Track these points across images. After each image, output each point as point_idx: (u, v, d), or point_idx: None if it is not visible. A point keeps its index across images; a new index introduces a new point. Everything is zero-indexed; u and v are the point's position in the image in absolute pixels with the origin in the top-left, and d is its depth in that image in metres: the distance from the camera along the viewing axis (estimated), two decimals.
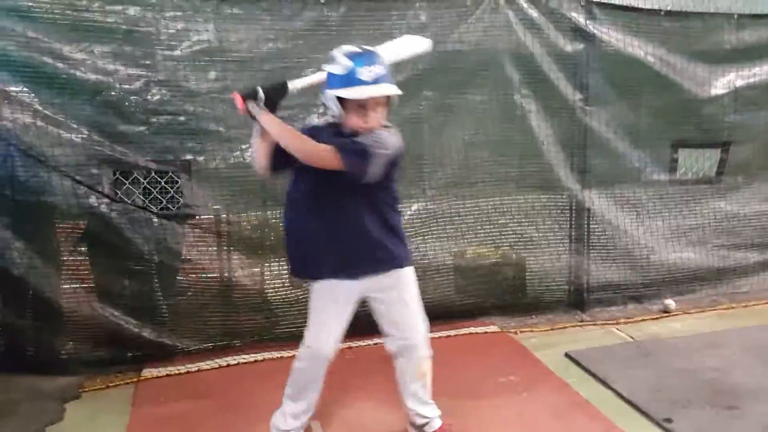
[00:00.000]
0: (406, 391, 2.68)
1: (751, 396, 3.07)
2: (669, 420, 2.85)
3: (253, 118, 2.37)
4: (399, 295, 2.58)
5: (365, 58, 2.29)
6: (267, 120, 2.36)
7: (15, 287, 3.34)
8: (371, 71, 2.27)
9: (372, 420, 2.94)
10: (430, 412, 2.72)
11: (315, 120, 2.37)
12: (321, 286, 2.53)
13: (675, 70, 4.27)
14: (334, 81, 2.30)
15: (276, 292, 3.81)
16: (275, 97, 2.38)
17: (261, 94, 2.33)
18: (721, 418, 2.89)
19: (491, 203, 4.13)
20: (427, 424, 2.72)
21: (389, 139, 2.37)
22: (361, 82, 2.26)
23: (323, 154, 2.30)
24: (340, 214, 2.42)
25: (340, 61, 2.28)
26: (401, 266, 2.55)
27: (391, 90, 2.31)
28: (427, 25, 3.74)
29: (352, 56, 2.28)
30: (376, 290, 2.55)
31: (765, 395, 3.09)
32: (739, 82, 4.42)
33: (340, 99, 2.30)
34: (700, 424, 2.83)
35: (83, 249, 3.47)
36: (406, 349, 2.62)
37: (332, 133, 2.41)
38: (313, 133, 2.42)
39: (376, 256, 2.47)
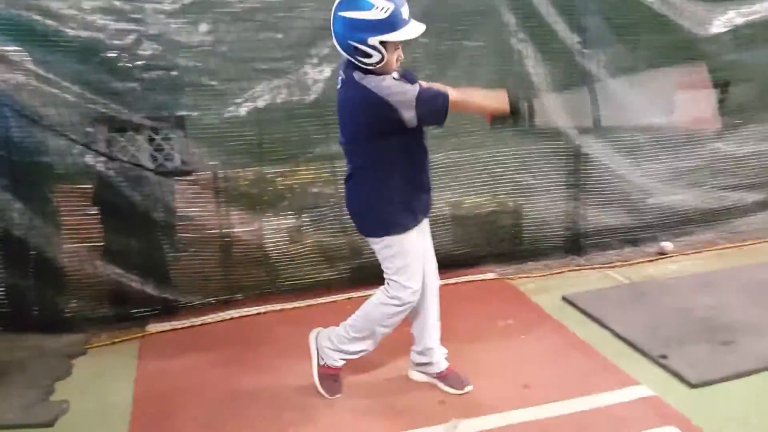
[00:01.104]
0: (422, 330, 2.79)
1: (746, 331, 3.15)
2: (664, 356, 2.93)
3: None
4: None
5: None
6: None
7: (17, 248, 3.36)
8: (407, 10, 2.31)
9: (372, 364, 3.00)
10: (438, 353, 2.82)
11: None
12: (413, 233, 2.60)
13: (674, 10, 4.17)
14: (372, 26, 2.24)
15: (275, 246, 3.84)
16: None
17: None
18: (716, 353, 2.97)
19: (488, 152, 4.12)
20: (431, 364, 2.82)
21: None
22: (405, 22, 2.29)
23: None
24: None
25: (379, 6, 2.24)
26: None
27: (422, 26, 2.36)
28: None
29: None
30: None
31: (759, 330, 3.16)
32: (739, 20, 4.33)
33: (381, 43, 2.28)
34: (695, 359, 2.91)
35: (83, 208, 3.48)
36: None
37: (343, 76, 2.43)
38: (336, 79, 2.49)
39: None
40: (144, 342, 3.38)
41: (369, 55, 2.30)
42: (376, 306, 2.68)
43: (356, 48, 2.29)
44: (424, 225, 2.70)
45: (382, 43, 2.27)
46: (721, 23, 4.31)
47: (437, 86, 2.42)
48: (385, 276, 2.67)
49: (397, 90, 2.33)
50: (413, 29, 2.31)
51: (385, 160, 2.48)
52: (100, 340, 3.41)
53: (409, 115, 2.32)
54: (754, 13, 4.36)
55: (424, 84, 2.43)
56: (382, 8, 2.23)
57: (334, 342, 2.76)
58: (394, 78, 2.39)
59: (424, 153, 2.58)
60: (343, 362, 2.79)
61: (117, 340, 3.42)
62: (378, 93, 2.31)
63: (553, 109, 2.57)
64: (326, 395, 2.78)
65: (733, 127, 4.56)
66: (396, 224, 2.55)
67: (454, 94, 2.37)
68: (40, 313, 3.48)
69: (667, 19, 4.17)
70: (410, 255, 2.60)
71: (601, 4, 4.04)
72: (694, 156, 4.50)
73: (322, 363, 2.79)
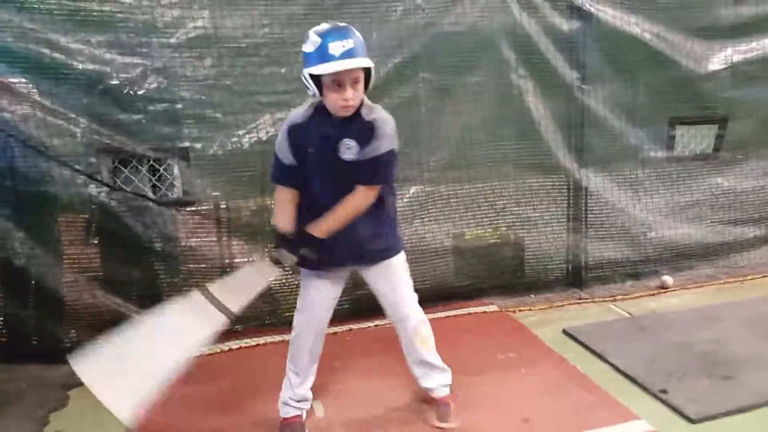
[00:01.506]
0: (411, 359, 2.77)
1: (747, 365, 3.12)
2: (664, 391, 2.90)
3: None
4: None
5: (336, 33, 2.23)
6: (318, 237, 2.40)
7: (17, 277, 3.37)
8: (342, 46, 2.20)
9: (372, 394, 3.01)
10: (441, 378, 2.80)
11: (293, 111, 2.43)
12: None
13: (672, 47, 4.25)
14: (307, 59, 2.26)
15: (276, 277, 3.83)
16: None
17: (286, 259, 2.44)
18: (717, 387, 2.94)
19: (489, 184, 4.15)
20: (435, 389, 2.80)
21: (390, 120, 2.39)
22: (331, 57, 2.19)
23: (367, 201, 2.39)
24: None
25: (310, 39, 2.24)
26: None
27: (362, 62, 2.23)
28: (422, 7, 3.74)
29: (322, 33, 2.23)
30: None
31: (760, 364, 3.14)
32: (737, 57, 4.40)
33: (315, 78, 2.25)
34: (696, 394, 2.88)
35: (85, 238, 3.51)
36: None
37: (319, 129, 2.38)
38: (298, 135, 2.41)
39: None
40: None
41: (307, 87, 2.30)
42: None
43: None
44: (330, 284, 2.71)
45: (312, 76, 2.24)
46: (718, 60, 4.39)
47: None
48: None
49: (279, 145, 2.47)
50: (333, 66, 2.19)
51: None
52: None
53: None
54: (752, 50, 4.45)
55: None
56: (312, 41, 2.23)
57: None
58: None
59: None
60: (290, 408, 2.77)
61: None
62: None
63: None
64: None
65: (733, 163, 4.61)
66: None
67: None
68: (38, 342, 3.47)
69: (665, 56, 4.24)
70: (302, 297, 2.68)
71: (599, 41, 4.11)
72: (695, 190, 4.53)
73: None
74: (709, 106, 4.48)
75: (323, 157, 2.39)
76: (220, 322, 2.38)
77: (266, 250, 2.51)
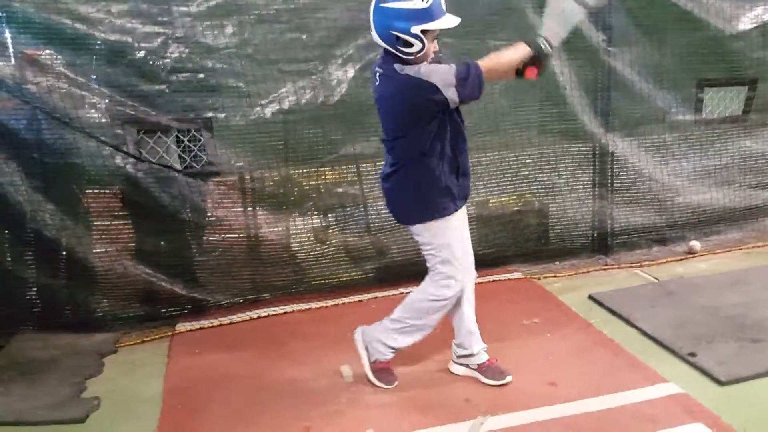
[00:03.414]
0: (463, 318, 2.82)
1: None
2: (693, 354, 2.89)
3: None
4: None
5: None
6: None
7: (48, 249, 3.44)
8: (443, 1, 2.39)
9: (399, 359, 3.00)
10: (481, 342, 2.86)
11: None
12: (455, 217, 2.65)
13: (700, 6, 4.12)
14: (415, 15, 2.32)
15: (302, 246, 3.88)
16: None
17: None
18: (745, 351, 2.92)
19: (513, 152, 4.11)
20: (472, 355, 2.84)
21: None
22: (444, 12, 2.38)
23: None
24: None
25: None
26: None
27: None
28: None
29: None
30: None
31: None
32: (767, 16, 4.27)
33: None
34: (725, 357, 2.87)
35: (113, 209, 3.55)
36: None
37: (380, 71, 2.50)
38: (372, 77, 2.55)
39: None
40: (173, 340, 3.43)
41: (411, 45, 2.37)
42: (422, 299, 2.73)
43: (398, 38, 2.36)
44: (464, 212, 2.73)
45: (423, 32, 2.35)
46: (749, 20, 4.25)
47: (467, 62, 2.46)
48: (429, 266, 2.71)
49: (436, 71, 2.41)
50: (451, 19, 2.40)
51: (429, 147, 2.52)
52: (130, 339, 3.47)
53: (451, 93, 2.39)
54: None
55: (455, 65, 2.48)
56: None
57: (382, 337, 2.81)
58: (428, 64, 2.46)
59: (463, 138, 2.63)
60: (393, 354, 2.84)
61: (147, 338, 3.48)
62: (420, 77, 2.39)
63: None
64: (385, 386, 2.83)
65: (762, 125, 4.50)
66: (441, 208, 2.62)
67: (484, 63, 2.45)
68: (71, 312, 3.56)
69: (693, 16, 4.12)
70: (455, 241, 2.66)
71: (626, 2, 4.01)
72: (723, 154, 4.45)
73: (373, 360, 2.84)
74: (739, 68, 4.36)
75: None
76: None
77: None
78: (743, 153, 4.48)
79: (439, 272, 2.67)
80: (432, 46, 2.44)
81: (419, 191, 2.60)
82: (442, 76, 2.39)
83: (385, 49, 2.45)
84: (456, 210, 2.64)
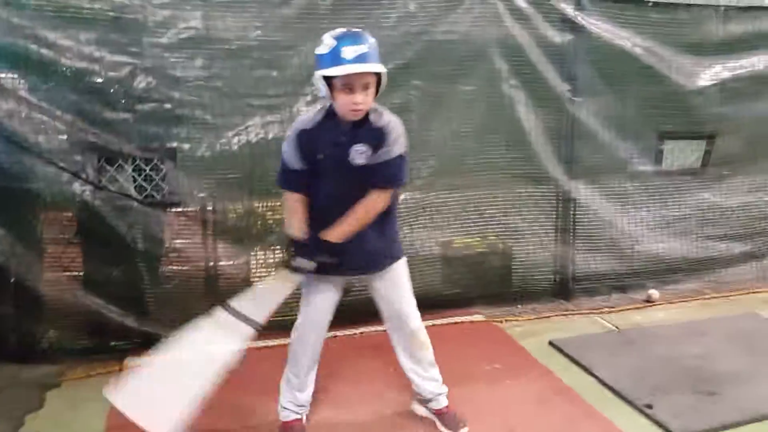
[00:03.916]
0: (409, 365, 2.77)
1: (732, 381, 3.13)
2: (650, 406, 2.89)
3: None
4: None
5: (350, 37, 2.28)
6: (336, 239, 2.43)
7: None
8: (355, 50, 2.25)
9: (358, 400, 2.99)
10: (440, 387, 2.81)
11: (303, 113, 2.38)
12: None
13: (662, 62, 4.27)
14: (320, 61, 2.30)
15: (262, 280, 3.80)
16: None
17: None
18: (702, 403, 2.94)
19: (478, 193, 4.14)
20: (432, 400, 2.79)
21: (399, 123, 2.44)
22: (343, 61, 2.24)
23: (381, 204, 2.44)
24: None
25: (325, 42, 2.29)
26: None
27: (374, 67, 2.28)
28: (415, 15, 3.74)
29: (337, 36, 2.29)
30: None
31: (745, 380, 3.14)
32: (725, 74, 4.43)
33: (327, 80, 2.29)
34: (681, 409, 2.87)
35: (67, 236, 3.45)
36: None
37: (329, 134, 2.40)
38: (307, 140, 2.42)
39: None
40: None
41: (319, 89, 2.35)
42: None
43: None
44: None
45: (325, 78, 2.28)
46: (708, 77, 4.41)
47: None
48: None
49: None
50: (344, 69, 2.24)
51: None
52: (75, 373, 3.32)
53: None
54: (740, 67, 4.48)
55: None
56: (327, 44, 2.28)
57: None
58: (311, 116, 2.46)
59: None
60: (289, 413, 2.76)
61: (93, 372, 3.33)
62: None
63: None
64: None
65: (720, 178, 4.63)
66: None
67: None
68: (17, 342, 3.40)
69: (654, 71, 4.26)
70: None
71: (591, 54, 4.13)
72: (682, 205, 4.55)
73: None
74: (698, 122, 4.50)
75: (334, 163, 2.41)
76: (247, 334, 2.43)
77: (282, 258, 2.52)
78: (701, 204, 4.59)
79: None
80: (344, 99, 2.29)
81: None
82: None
83: None
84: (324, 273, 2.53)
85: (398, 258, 2.64)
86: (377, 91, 2.36)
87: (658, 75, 4.28)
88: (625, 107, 4.31)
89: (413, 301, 2.72)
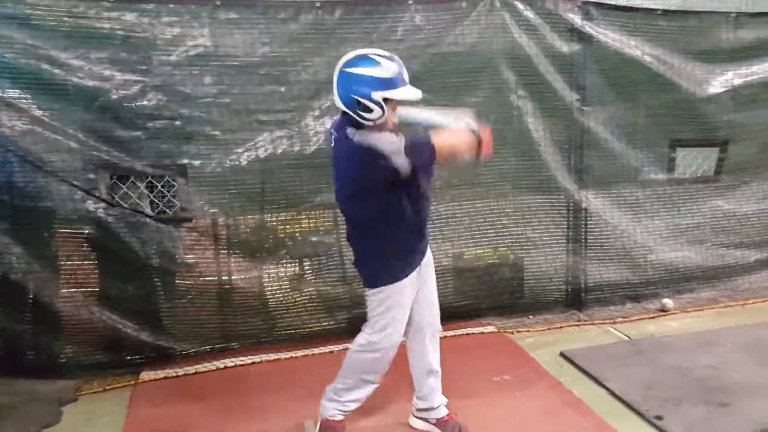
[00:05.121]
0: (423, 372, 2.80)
1: (744, 393, 3.09)
2: (660, 417, 2.87)
3: None
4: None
5: (398, 61, 2.44)
6: None
7: (14, 292, 3.38)
8: (406, 74, 2.45)
9: (370, 410, 2.98)
10: (442, 397, 2.83)
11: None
12: (407, 281, 2.64)
13: (672, 70, 4.25)
14: (378, 82, 2.38)
15: (274, 294, 3.84)
16: None
17: None
18: (713, 415, 2.90)
19: (489, 205, 4.15)
20: (432, 409, 2.81)
21: None
22: (405, 83, 2.43)
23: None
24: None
25: (383, 64, 2.39)
26: None
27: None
28: (422, 28, 3.77)
29: (392, 59, 2.42)
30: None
31: (757, 392, 3.10)
32: (737, 81, 4.40)
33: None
34: (691, 421, 2.84)
35: (82, 253, 3.51)
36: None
37: (336, 133, 2.51)
38: (329, 137, 2.58)
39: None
40: (136, 390, 3.35)
41: (370, 110, 2.41)
42: (355, 354, 2.73)
43: (359, 102, 2.39)
44: (424, 271, 2.73)
45: (384, 99, 2.39)
46: (719, 83, 4.38)
47: (419, 137, 2.52)
48: (368, 319, 2.70)
49: (385, 140, 2.41)
50: (412, 91, 2.45)
51: (386, 212, 2.52)
52: (92, 387, 3.39)
53: (400, 161, 2.37)
54: (752, 74, 4.44)
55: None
56: (388, 68, 2.39)
57: (329, 394, 2.78)
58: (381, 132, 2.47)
59: (423, 202, 2.63)
60: (342, 414, 2.78)
61: (109, 387, 3.40)
62: (368, 142, 2.39)
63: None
64: None
65: (734, 186, 4.58)
66: (394, 275, 2.60)
67: (438, 142, 2.45)
68: (34, 357, 3.48)
69: (665, 79, 4.24)
70: (399, 306, 2.64)
71: (599, 63, 4.12)
72: (695, 213, 4.51)
73: (323, 417, 2.80)
74: (710, 129, 4.46)
75: None
76: None
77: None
78: (715, 212, 4.54)
79: (378, 328, 2.67)
80: (392, 116, 2.47)
81: (378, 256, 2.62)
82: (390, 144, 2.39)
83: (343, 112, 2.49)
84: (410, 273, 2.63)
85: None
86: None
87: (669, 83, 4.26)
88: (636, 116, 4.30)
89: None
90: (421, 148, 2.42)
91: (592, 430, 2.84)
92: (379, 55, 2.42)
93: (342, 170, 2.56)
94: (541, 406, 3.06)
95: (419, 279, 2.69)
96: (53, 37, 3.25)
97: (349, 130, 2.44)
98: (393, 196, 2.50)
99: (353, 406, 2.79)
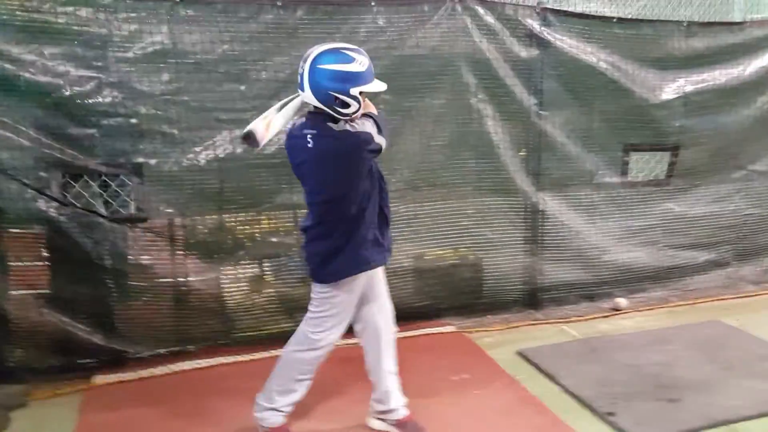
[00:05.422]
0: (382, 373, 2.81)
1: (693, 388, 3.19)
2: (612, 413, 2.94)
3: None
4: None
5: (366, 54, 2.51)
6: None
7: None
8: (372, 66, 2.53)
9: (323, 412, 2.98)
10: (396, 401, 2.83)
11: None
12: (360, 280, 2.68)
13: (627, 76, 4.37)
14: (354, 77, 2.43)
15: (232, 296, 3.79)
16: None
17: None
18: (663, 410, 2.99)
19: (449, 206, 4.18)
20: (391, 411, 2.81)
21: None
22: (374, 77, 2.51)
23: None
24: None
25: (357, 60, 2.45)
26: None
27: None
28: (384, 30, 3.78)
29: (361, 53, 2.49)
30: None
31: (706, 387, 3.21)
32: (689, 88, 4.54)
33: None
34: (642, 416, 2.93)
35: (32, 254, 3.41)
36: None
37: (313, 132, 2.50)
38: (295, 141, 2.57)
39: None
40: (88, 394, 3.26)
41: (348, 105, 2.44)
42: (295, 353, 2.73)
43: (336, 98, 2.42)
44: (374, 272, 2.73)
45: (360, 93, 2.45)
46: (671, 90, 4.51)
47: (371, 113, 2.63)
48: (308, 316, 2.71)
49: (366, 122, 2.53)
50: (381, 84, 2.55)
51: (363, 209, 2.55)
52: (42, 392, 3.28)
53: (379, 139, 2.53)
54: (703, 81, 4.59)
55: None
56: (361, 62, 2.45)
57: (262, 405, 2.76)
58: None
59: (387, 198, 2.70)
60: (284, 416, 2.76)
61: (60, 392, 3.30)
62: (358, 130, 2.47)
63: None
64: None
65: (684, 189, 4.73)
66: (348, 271, 2.62)
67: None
68: None
69: (619, 85, 4.35)
70: (348, 304, 2.67)
71: (557, 69, 4.21)
72: (648, 215, 4.64)
73: (264, 429, 2.76)
74: (662, 134, 4.60)
75: None
76: None
77: None
78: (666, 215, 4.68)
79: (316, 326, 2.68)
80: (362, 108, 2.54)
81: (339, 253, 2.60)
82: (371, 126, 2.52)
83: (313, 110, 2.49)
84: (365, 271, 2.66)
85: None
86: None
87: (623, 89, 4.37)
88: (591, 120, 4.41)
89: None
90: (382, 123, 2.57)
91: (547, 426, 2.90)
92: (349, 50, 2.46)
93: (328, 165, 2.52)
94: (498, 404, 3.11)
95: (368, 279, 2.71)
96: (5, 31, 3.15)
97: (332, 125, 2.47)
98: (372, 191, 2.56)
99: (290, 408, 2.77)
